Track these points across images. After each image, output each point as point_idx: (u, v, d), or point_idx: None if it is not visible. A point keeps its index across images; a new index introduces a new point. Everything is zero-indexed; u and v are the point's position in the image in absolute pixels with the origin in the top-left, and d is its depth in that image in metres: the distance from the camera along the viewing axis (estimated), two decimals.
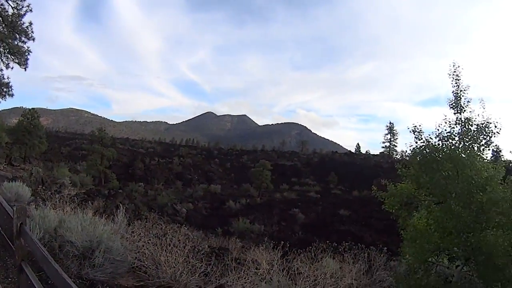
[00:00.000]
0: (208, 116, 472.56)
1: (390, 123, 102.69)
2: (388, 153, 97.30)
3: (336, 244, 11.56)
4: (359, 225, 42.07)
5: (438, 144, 9.80)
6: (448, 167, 9.33)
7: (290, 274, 8.24)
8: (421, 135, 10.03)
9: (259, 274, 8.35)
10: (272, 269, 8.31)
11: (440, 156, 9.62)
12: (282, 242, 9.98)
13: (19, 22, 25.69)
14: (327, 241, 11.58)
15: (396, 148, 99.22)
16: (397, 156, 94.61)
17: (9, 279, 6.58)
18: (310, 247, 10.16)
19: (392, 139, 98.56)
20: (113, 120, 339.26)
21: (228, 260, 8.77)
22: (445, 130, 9.83)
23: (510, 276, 8.79)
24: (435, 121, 10.05)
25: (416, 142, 10.06)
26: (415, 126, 10.12)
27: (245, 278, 8.08)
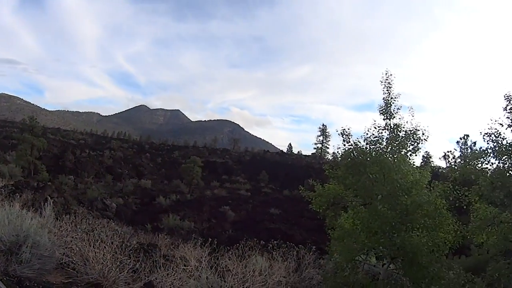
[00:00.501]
0: (141, 109, 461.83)
1: (323, 125, 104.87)
2: (320, 154, 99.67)
3: (265, 242, 11.71)
4: (289, 224, 42.84)
5: (366, 148, 10.25)
6: (375, 170, 9.77)
7: (218, 271, 8.26)
8: (349, 138, 10.44)
9: (187, 271, 8.34)
10: (200, 266, 8.31)
11: (367, 159, 10.07)
12: (211, 239, 9.97)
13: None
14: (257, 239, 11.68)
15: (328, 150, 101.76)
16: (329, 158, 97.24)
17: None
18: (239, 245, 10.20)
19: (324, 141, 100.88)
20: (46, 108, 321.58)
21: (157, 257, 8.73)
22: (373, 134, 10.32)
23: (434, 274, 9.40)
24: (365, 125, 10.52)
25: (344, 145, 10.47)
26: (344, 129, 10.50)
27: (174, 275, 8.06)
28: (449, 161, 59.62)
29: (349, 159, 10.30)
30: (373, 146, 10.18)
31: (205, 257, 8.75)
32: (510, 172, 9.63)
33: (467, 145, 58.43)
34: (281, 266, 10.03)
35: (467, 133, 58.75)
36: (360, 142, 10.33)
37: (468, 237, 10.21)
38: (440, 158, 64.61)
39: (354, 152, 10.21)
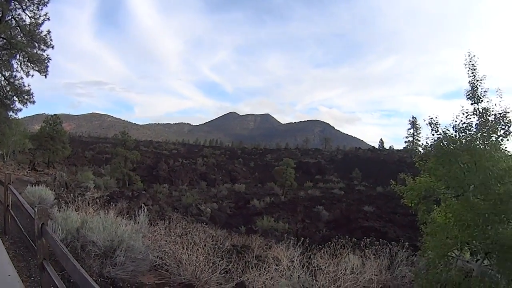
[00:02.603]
0: (230, 116, 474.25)
1: (413, 117, 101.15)
2: (412, 148, 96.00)
3: (357, 240, 11.54)
4: (383, 221, 41.52)
5: (455, 136, 9.69)
6: (466, 159, 9.22)
7: (310, 270, 8.25)
8: (437, 127, 9.92)
9: (279, 270, 8.39)
10: (292, 266, 8.33)
11: (457, 148, 9.52)
12: (304, 239, 9.95)
13: (37, 31, 26.45)
14: (350, 238, 11.52)
15: (419, 142, 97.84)
16: (420, 150, 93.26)
17: (32, 279, 6.76)
18: (331, 243, 10.10)
19: (415, 134, 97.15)
20: (136, 123, 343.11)
21: (250, 258, 8.85)
22: (461, 121, 9.72)
23: None
24: (453, 112, 9.96)
25: (433, 135, 9.97)
26: (431, 119, 10.01)
27: (265, 275, 8.13)
28: None
29: (438, 149, 9.81)
30: (463, 134, 9.61)
31: (297, 256, 8.74)
32: None
33: None
34: (373, 264, 9.82)
35: None
36: (449, 131, 9.80)
37: None
38: None
39: (444, 141, 9.71)
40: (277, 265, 8.68)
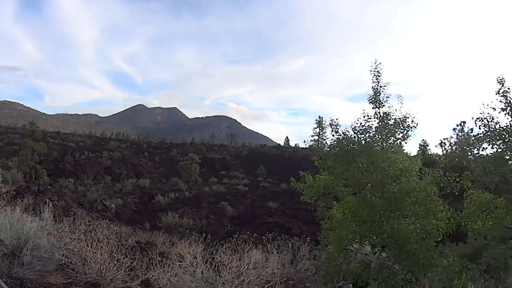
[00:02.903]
0: (138, 109, 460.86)
1: (319, 117, 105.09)
2: (317, 146, 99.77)
3: (259, 235, 11.83)
4: (287, 217, 42.90)
5: (355, 137, 10.27)
6: (363, 159, 9.81)
7: (213, 266, 8.31)
8: (337, 128, 10.47)
9: (183, 267, 8.37)
10: (195, 262, 8.34)
11: (356, 148, 10.09)
12: (208, 235, 10.07)
13: None
14: (255, 233, 11.81)
15: (325, 142, 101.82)
16: (326, 149, 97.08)
17: None
18: (234, 239, 10.26)
19: (320, 133, 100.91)
20: (45, 113, 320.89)
21: (154, 254, 8.75)
22: (360, 124, 10.32)
23: (425, 261, 9.42)
24: (354, 115, 10.53)
25: (333, 135, 10.50)
26: (332, 120, 10.54)
27: (170, 272, 8.10)
28: (445, 148, 59.48)
29: (338, 149, 10.33)
30: (362, 135, 10.19)
31: (199, 252, 8.73)
32: (504, 156, 9.63)
33: (463, 131, 58.35)
34: (276, 258, 10.16)
35: (464, 120, 58.58)
36: (349, 132, 10.35)
37: (463, 223, 10.21)
38: (436, 146, 64.66)
39: (343, 142, 10.23)
40: (180, 262, 8.65)
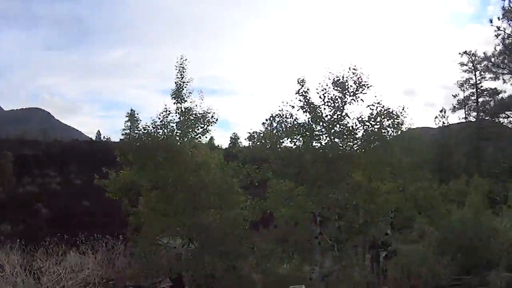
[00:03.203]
0: None
1: (131, 110, 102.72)
2: (129, 140, 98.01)
3: (74, 237, 11.40)
4: (101, 215, 41.40)
5: (154, 132, 10.34)
6: (162, 154, 9.95)
7: (33, 274, 8.05)
8: (137, 123, 10.43)
9: (4, 277, 8.01)
10: (15, 271, 7.80)
11: (154, 143, 10.18)
12: (27, 241, 9.89)
13: None
14: (71, 235, 11.57)
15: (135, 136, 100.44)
16: (137, 144, 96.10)
17: None
18: (51, 243, 9.86)
19: (132, 126, 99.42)
20: None
21: None
22: (159, 118, 10.44)
23: (230, 250, 9.95)
24: (156, 110, 10.60)
25: (133, 130, 10.44)
26: (130, 114, 10.47)
27: None
28: (254, 141, 63.19)
29: (136, 144, 10.29)
30: (161, 130, 10.30)
31: (17, 260, 8.54)
32: (302, 150, 10.56)
33: (272, 126, 62.83)
34: (92, 259, 10.00)
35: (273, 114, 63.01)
36: (149, 127, 10.37)
37: (268, 211, 10.98)
38: (245, 139, 68.72)
39: (142, 137, 10.23)
40: (1, 272, 8.33)
